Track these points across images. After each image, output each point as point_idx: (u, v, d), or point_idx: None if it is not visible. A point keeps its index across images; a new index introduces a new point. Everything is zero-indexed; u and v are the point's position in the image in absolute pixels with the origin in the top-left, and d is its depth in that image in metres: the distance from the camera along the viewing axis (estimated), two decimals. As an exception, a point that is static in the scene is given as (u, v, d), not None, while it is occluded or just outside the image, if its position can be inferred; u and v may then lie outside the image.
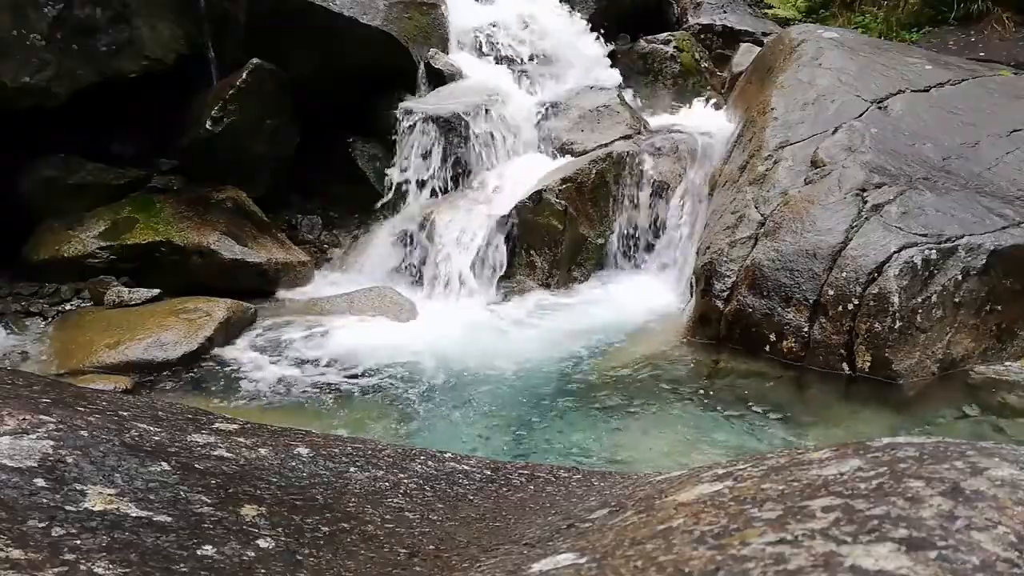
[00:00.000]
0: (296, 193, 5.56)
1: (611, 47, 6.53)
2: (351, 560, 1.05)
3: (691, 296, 4.44)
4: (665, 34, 6.79)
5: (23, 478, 1.04)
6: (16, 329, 4.29)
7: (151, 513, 1.04)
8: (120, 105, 4.82)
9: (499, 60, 6.01)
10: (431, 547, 1.11)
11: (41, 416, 1.22)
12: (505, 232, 4.90)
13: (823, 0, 7.64)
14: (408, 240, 5.08)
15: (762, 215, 4.30)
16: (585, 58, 6.31)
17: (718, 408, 3.60)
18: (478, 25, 6.07)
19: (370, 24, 5.26)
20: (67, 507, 1.01)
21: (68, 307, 4.47)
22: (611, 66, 6.37)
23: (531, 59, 6.10)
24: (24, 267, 4.66)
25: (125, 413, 1.39)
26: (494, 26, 6.11)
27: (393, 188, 5.28)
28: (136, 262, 4.64)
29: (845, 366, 3.80)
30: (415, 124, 5.16)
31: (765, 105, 5.02)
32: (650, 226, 5.13)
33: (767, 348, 3.98)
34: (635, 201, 5.12)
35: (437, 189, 5.24)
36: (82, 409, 1.33)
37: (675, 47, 6.64)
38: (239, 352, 4.14)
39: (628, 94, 6.06)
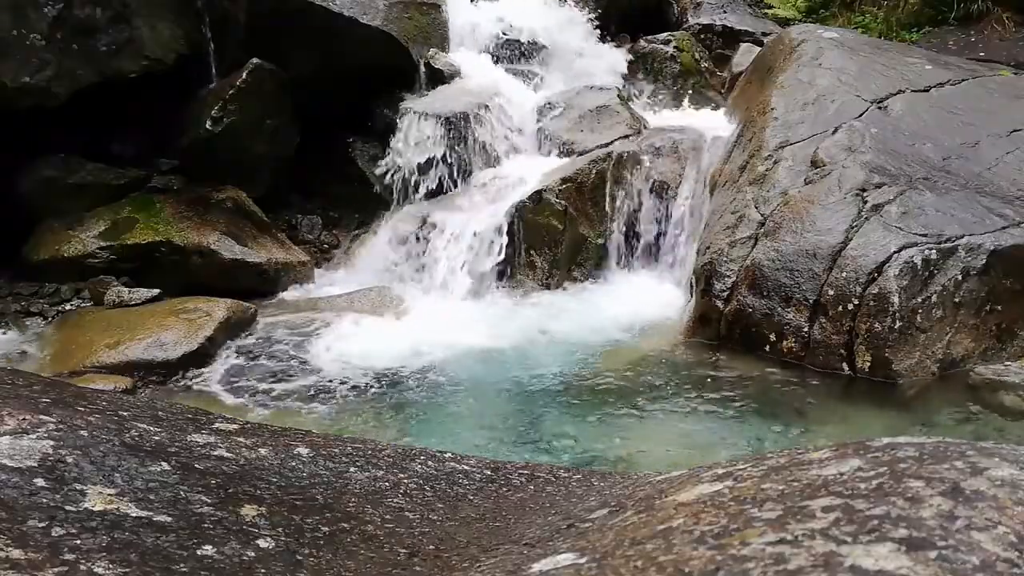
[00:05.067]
0: (296, 193, 5.56)
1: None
2: (351, 560, 1.05)
3: (691, 296, 4.44)
4: (665, 34, 6.79)
5: (23, 478, 1.04)
6: (16, 329, 4.29)
7: (151, 513, 1.04)
8: (120, 105, 4.82)
9: (499, 60, 6.02)
10: (431, 547, 1.11)
11: (41, 416, 1.22)
12: (505, 232, 4.90)
13: (823, 0, 7.64)
14: (408, 240, 5.08)
15: (762, 215, 4.30)
16: (586, 58, 6.32)
17: (718, 408, 3.60)
18: (478, 24, 6.08)
19: (370, 24, 5.26)
20: (67, 507, 1.01)
21: (68, 307, 4.47)
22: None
23: (532, 58, 6.10)
24: (24, 267, 4.66)
25: (125, 413, 1.39)
26: (494, 25, 6.11)
27: (393, 188, 5.28)
28: (136, 262, 4.64)
29: (845, 366, 3.80)
30: (415, 124, 5.16)
31: (765, 105, 5.02)
32: (650, 226, 5.13)
33: (767, 348, 3.98)
34: (635, 201, 5.12)
35: (437, 189, 5.24)
36: (82, 409, 1.33)
37: (675, 47, 6.63)
38: (239, 352, 4.14)
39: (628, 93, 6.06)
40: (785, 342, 3.93)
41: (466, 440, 3.34)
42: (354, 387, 3.83)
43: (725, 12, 7.27)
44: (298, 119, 5.33)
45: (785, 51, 5.49)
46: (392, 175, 5.27)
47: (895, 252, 3.81)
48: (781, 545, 0.74)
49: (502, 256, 4.89)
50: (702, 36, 7.06)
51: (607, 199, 5.09)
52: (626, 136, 5.40)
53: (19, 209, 4.66)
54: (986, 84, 5.22)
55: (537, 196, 4.95)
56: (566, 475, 1.47)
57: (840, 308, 3.82)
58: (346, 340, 4.25)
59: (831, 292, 3.85)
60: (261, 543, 1.04)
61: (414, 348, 4.15)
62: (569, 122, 5.54)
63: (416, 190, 5.24)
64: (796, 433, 3.38)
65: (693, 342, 4.23)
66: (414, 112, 5.19)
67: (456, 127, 5.19)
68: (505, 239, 4.90)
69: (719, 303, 4.17)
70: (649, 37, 6.74)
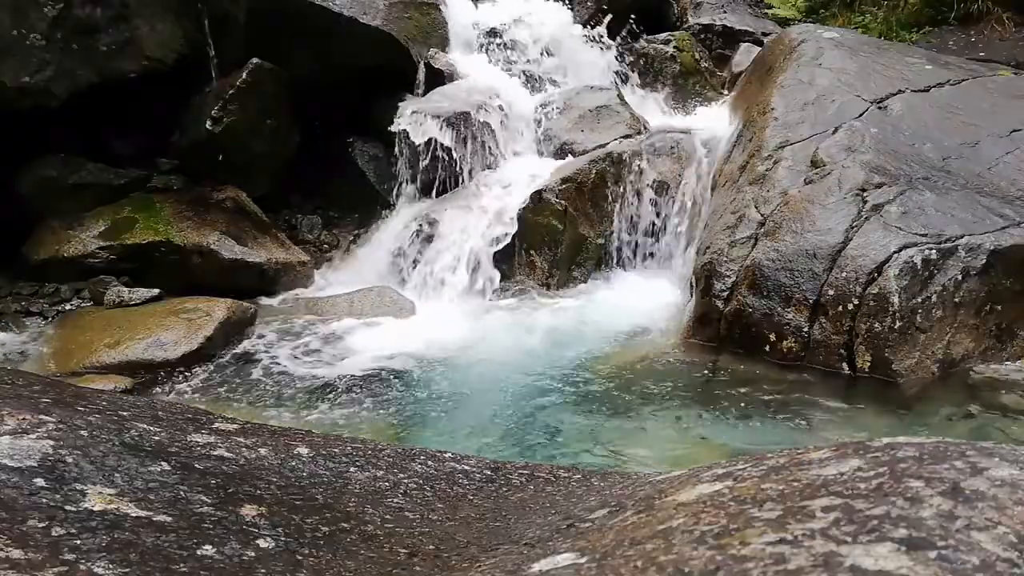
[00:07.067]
0: (296, 193, 5.56)
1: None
2: (351, 560, 1.05)
3: (691, 296, 4.44)
4: (665, 34, 6.79)
5: (23, 478, 1.04)
6: (16, 329, 4.29)
7: (151, 513, 1.04)
8: (120, 105, 4.82)
9: (499, 60, 6.02)
10: (431, 547, 1.11)
11: (41, 416, 1.22)
12: (504, 232, 4.90)
13: (823, 0, 7.64)
14: (408, 240, 5.08)
15: (762, 215, 4.30)
16: (585, 58, 6.33)
17: (718, 408, 3.60)
18: (478, 25, 6.08)
19: (370, 24, 5.26)
20: (67, 507, 1.01)
21: (68, 307, 4.47)
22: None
23: (532, 58, 6.10)
24: (24, 267, 4.65)
25: (125, 413, 1.39)
26: (494, 26, 6.11)
27: (392, 188, 5.28)
28: (136, 262, 4.64)
29: (845, 366, 3.80)
30: (415, 124, 5.16)
31: (765, 105, 5.02)
32: (650, 226, 5.13)
33: (767, 348, 3.98)
34: (635, 201, 5.12)
35: (436, 189, 5.24)
36: (82, 409, 1.33)
37: (675, 47, 6.63)
38: (239, 352, 4.14)
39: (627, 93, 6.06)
40: (785, 342, 3.93)
41: (466, 440, 3.34)
42: (354, 387, 3.83)
43: (725, 12, 7.27)
44: (298, 119, 5.32)
45: (785, 51, 5.49)
46: (391, 175, 5.26)
47: (895, 252, 3.81)
48: (781, 545, 0.74)
49: (502, 256, 4.89)
50: (702, 36, 7.06)
51: (607, 199, 5.10)
52: (626, 136, 5.40)
53: (19, 209, 4.66)
54: (986, 84, 5.22)
55: (537, 196, 4.95)
56: (566, 475, 1.47)
57: (840, 308, 3.82)
58: (346, 340, 4.25)
59: (831, 292, 3.85)
60: (261, 543, 1.04)
61: (414, 348, 4.16)
62: (569, 122, 5.54)
63: (415, 190, 5.24)
64: (796, 433, 3.38)
65: (693, 342, 4.23)
66: (414, 112, 5.19)
67: (456, 127, 5.19)
68: (505, 239, 4.90)
69: (719, 303, 4.17)
70: (649, 37, 6.74)
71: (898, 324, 3.71)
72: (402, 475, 1.37)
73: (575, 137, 5.44)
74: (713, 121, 5.73)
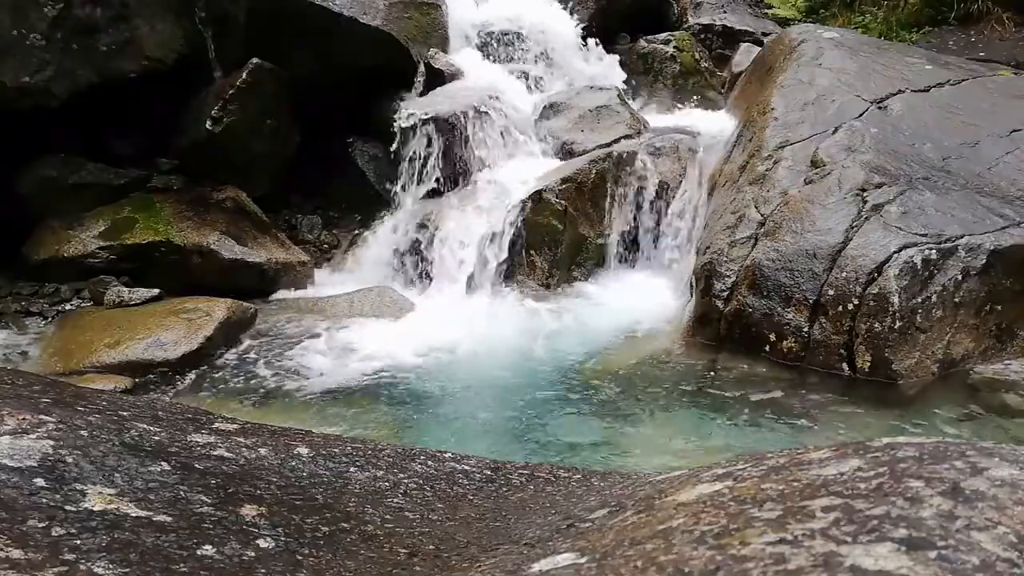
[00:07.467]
0: (296, 193, 5.56)
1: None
2: (351, 560, 1.05)
3: (691, 296, 4.44)
4: (665, 34, 6.80)
5: (23, 478, 1.04)
6: (16, 329, 4.29)
7: (151, 513, 1.04)
8: (120, 105, 4.82)
9: (499, 60, 6.02)
10: (431, 547, 1.11)
11: (41, 416, 1.22)
12: (504, 232, 4.90)
13: (823, 0, 7.65)
14: (408, 240, 5.08)
15: (762, 215, 4.30)
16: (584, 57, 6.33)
17: (718, 408, 3.60)
18: (478, 24, 6.08)
19: (370, 24, 5.26)
20: (67, 507, 1.01)
21: (68, 307, 4.47)
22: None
23: (532, 59, 6.10)
24: (24, 267, 4.66)
25: (125, 413, 1.39)
26: (494, 25, 6.11)
27: (392, 188, 5.28)
28: (136, 262, 4.64)
29: (845, 366, 3.80)
30: (415, 124, 5.16)
31: (765, 105, 5.02)
32: (650, 226, 5.13)
33: (767, 348, 3.98)
34: (635, 201, 5.12)
35: (436, 189, 5.24)
36: (82, 409, 1.33)
37: (675, 47, 6.64)
38: (239, 352, 4.14)
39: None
40: (785, 342, 3.93)
41: (466, 440, 3.34)
42: (354, 387, 3.82)
43: (725, 12, 7.28)
44: (298, 119, 5.33)
45: (785, 51, 5.49)
46: (391, 175, 5.26)
47: (895, 252, 3.81)
48: (781, 545, 0.74)
49: (501, 256, 4.89)
50: (702, 36, 7.07)
51: (607, 199, 5.09)
52: (626, 136, 5.40)
53: (19, 209, 4.66)
54: (986, 84, 5.22)
55: (537, 196, 4.95)
56: (566, 475, 1.47)
57: (840, 308, 3.82)
58: (346, 340, 4.25)
59: (831, 292, 3.85)
60: (261, 543, 1.04)
61: (414, 348, 4.16)
62: (569, 122, 5.54)
63: (415, 190, 5.24)
64: (796, 433, 3.38)
65: (693, 342, 4.23)
66: (414, 112, 5.19)
67: (456, 127, 5.19)
68: (505, 239, 4.90)
69: (719, 303, 4.17)
70: (649, 37, 6.75)
71: (898, 324, 3.71)
72: (402, 475, 1.37)
73: (575, 137, 5.44)
74: (713, 121, 5.73)
